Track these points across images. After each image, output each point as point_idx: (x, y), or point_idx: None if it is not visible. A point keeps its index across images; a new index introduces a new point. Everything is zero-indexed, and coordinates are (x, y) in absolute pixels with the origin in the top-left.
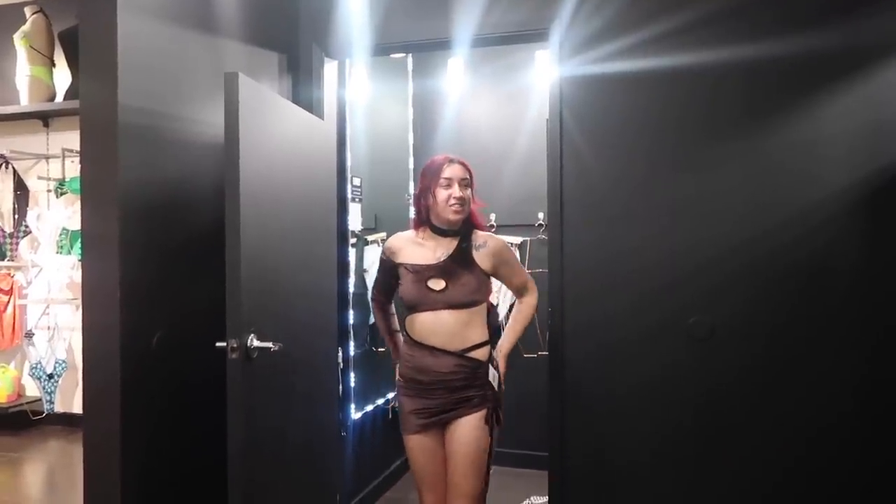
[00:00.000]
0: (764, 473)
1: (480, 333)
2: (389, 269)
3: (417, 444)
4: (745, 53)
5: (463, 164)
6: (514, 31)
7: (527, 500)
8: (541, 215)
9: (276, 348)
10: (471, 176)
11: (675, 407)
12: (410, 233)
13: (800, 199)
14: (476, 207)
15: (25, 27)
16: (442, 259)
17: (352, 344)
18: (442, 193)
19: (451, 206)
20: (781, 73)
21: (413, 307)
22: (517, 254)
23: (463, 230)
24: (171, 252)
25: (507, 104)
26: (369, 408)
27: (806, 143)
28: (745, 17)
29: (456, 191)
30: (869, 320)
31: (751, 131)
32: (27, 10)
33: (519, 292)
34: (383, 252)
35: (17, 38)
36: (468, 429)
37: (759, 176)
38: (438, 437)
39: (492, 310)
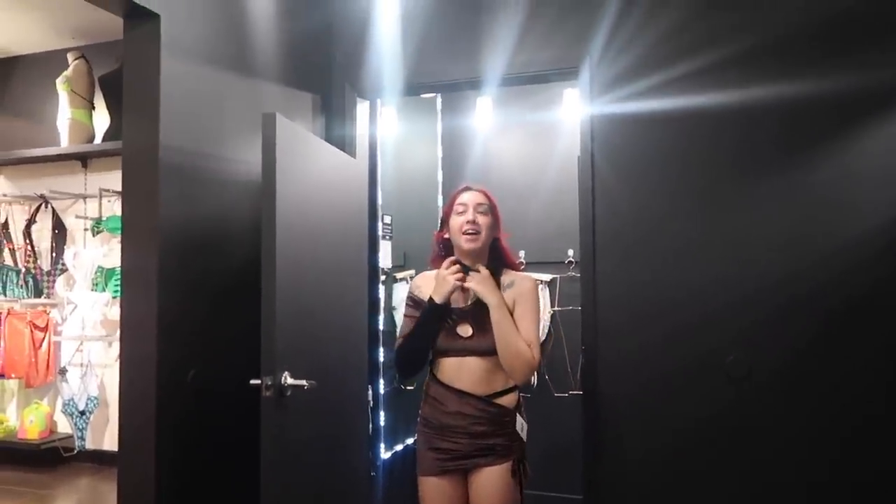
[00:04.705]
0: None
1: (506, 378)
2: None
3: (434, 488)
4: (777, 92)
5: (482, 191)
6: (544, 70)
7: None
8: (570, 252)
9: (309, 386)
10: (491, 203)
11: (712, 448)
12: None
13: (840, 236)
14: (504, 238)
15: (67, 72)
16: (470, 302)
17: (381, 381)
18: (456, 221)
19: (463, 232)
20: (816, 110)
21: (441, 351)
22: (546, 293)
23: (491, 268)
24: (206, 288)
25: (535, 141)
26: (398, 447)
27: (845, 179)
28: (774, 56)
29: (469, 215)
30: None
31: (786, 167)
32: (69, 56)
33: None
34: (412, 296)
35: (59, 83)
36: (494, 480)
37: (797, 212)
38: (457, 485)
39: None
